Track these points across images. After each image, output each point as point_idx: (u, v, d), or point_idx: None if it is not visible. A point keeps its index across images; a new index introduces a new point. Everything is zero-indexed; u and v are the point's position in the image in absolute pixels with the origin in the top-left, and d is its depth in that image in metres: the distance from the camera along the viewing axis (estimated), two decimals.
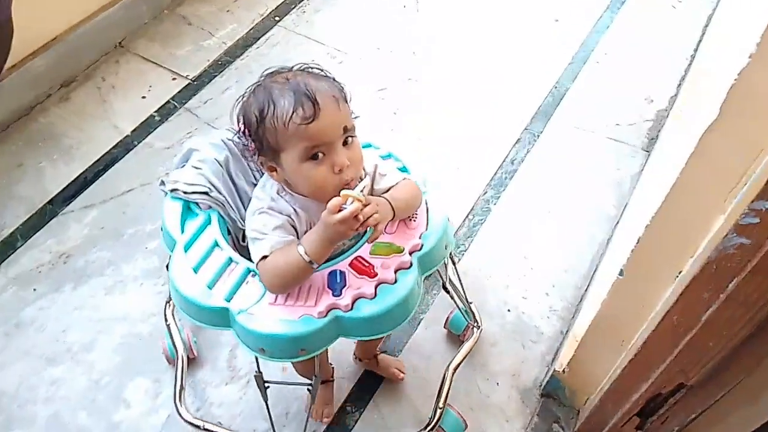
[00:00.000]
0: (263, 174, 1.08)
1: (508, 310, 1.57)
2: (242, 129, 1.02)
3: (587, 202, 1.80)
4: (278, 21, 2.36)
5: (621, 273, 1.02)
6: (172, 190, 1.13)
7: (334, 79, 1.02)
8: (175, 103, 2.06)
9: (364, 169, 1.08)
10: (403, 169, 1.24)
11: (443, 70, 2.18)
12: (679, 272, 0.95)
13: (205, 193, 1.12)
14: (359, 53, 2.23)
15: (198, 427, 1.35)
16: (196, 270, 1.07)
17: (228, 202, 1.15)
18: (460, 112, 2.05)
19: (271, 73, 1.01)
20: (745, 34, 0.85)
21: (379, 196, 1.05)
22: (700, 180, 0.87)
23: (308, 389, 1.16)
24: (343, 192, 0.94)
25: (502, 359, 1.50)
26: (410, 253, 1.09)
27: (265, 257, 0.99)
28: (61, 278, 1.63)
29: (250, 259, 1.05)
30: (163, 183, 1.16)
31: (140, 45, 2.24)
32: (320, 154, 0.97)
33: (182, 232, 1.12)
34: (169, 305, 1.49)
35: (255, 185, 1.12)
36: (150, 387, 1.44)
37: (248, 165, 1.20)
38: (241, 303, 1.03)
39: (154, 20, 2.33)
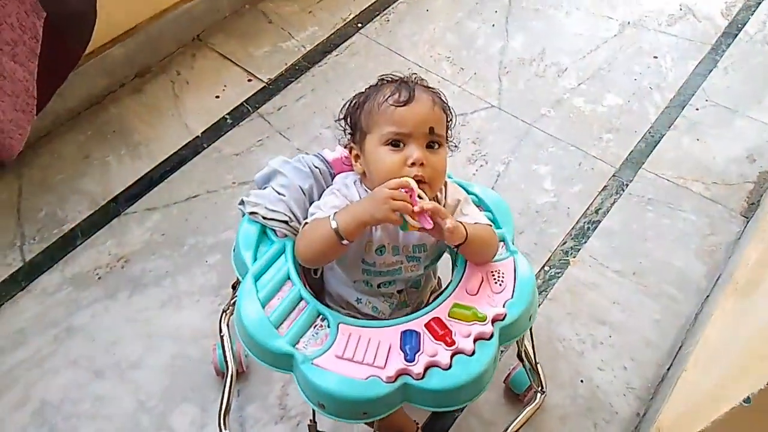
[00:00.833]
0: None
1: (581, 381, 1.45)
2: (344, 116, 1.09)
3: (675, 267, 1.65)
4: (360, 28, 2.26)
5: (748, 400, 0.87)
6: (251, 213, 1.10)
7: (442, 98, 1.07)
8: (249, 107, 1.98)
9: (444, 193, 1.07)
10: (494, 222, 1.15)
11: (528, 100, 2.04)
12: None
13: (285, 222, 1.09)
14: (440, 72, 2.11)
15: None
16: (263, 304, 1.02)
17: None
18: (543, 144, 1.92)
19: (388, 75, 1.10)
20: None
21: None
22: None
23: None
24: (408, 179, 0.94)
25: None
26: (492, 322, 1.01)
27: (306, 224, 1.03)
28: (117, 284, 1.57)
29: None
30: (242, 203, 1.12)
31: (218, 40, 2.17)
32: (400, 143, 0.99)
33: (254, 256, 1.08)
34: (225, 315, 1.42)
35: None
36: (197, 416, 1.37)
37: None
38: (307, 350, 0.98)
39: (234, 14, 2.26)
